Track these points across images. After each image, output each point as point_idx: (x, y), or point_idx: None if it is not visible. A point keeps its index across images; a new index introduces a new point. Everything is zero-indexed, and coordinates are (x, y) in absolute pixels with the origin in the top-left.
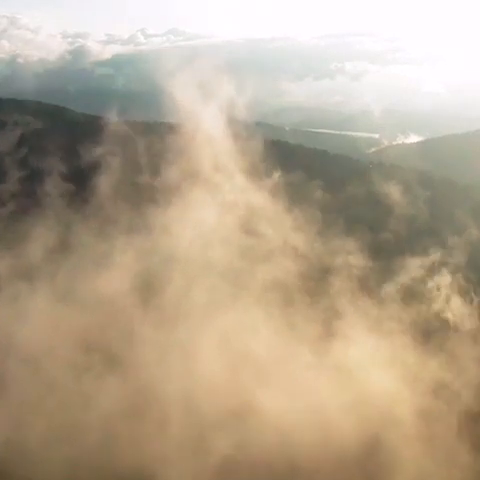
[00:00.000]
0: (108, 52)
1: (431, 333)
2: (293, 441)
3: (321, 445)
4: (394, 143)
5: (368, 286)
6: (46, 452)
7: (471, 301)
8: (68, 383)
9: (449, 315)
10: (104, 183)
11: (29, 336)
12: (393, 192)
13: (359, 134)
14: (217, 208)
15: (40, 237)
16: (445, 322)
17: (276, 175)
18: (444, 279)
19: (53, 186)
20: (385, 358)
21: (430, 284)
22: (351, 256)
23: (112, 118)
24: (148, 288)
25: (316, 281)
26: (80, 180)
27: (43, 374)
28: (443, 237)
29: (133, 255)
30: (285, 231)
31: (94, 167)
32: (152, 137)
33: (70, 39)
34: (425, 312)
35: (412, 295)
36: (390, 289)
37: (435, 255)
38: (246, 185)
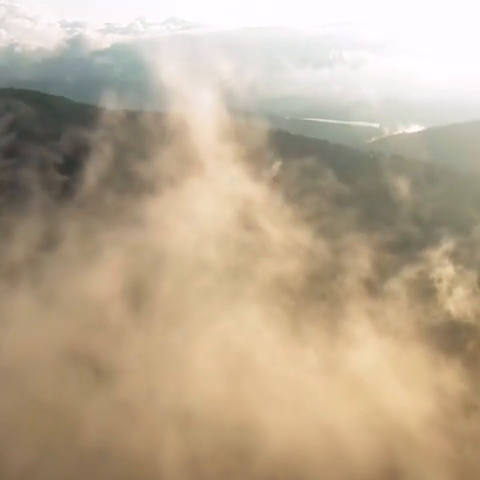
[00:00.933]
0: (107, 41)
1: (450, 335)
2: (300, 461)
3: (331, 467)
4: (395, 133)
5: (376, 283)
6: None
7: None
8: (51, 396)
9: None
10: (95, 173)
11: (9, 344)
12: (395, 183)
13: (359, 123)
14: (214, 200)
15: (23, 232)
16: (465, 325)
17: (276, 165)
18: (457, 276)
19: (40, 175)
20: (401, 365)
21: (444, 282)
22: (359, 251)
23: (109, 107)
24: (139, 289)
25: (321, 279)
26: (70, 170)
27: (25, 386)
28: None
29: (123, 252)
30: (286, 225)
31: (84, 156)
32: (148, 126)
33: (69, 28)
34: (440, 311)
35: (425, 293)
36: (401, 287)
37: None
38: (245, 176)
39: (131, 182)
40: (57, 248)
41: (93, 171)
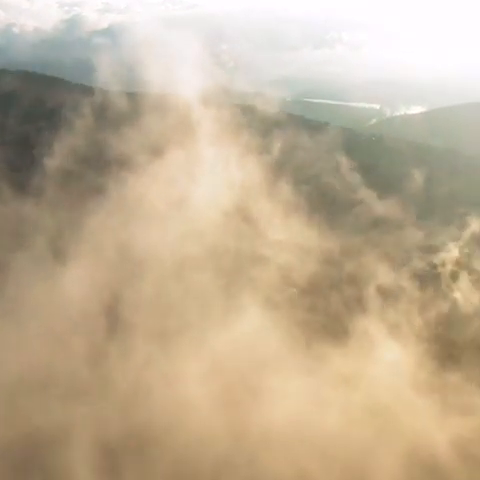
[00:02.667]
0: (105, 21)
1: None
2: None
3: None
4: (396, 114)
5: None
6: None
7: None
8: (24, 421)
9: None
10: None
11: None
12: (399, 166)
13: (360, 105)
14: (211, 187)
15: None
16: None
17: (276, 148)
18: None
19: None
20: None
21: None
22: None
23: (106, 88)
24: (116, 297)
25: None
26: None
27: None
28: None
29: (98, 251)
30: (286, 215)
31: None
32: (145, 108)
33: (66, 8)
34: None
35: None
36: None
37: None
38: (244, 160)
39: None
40: (23, 249)
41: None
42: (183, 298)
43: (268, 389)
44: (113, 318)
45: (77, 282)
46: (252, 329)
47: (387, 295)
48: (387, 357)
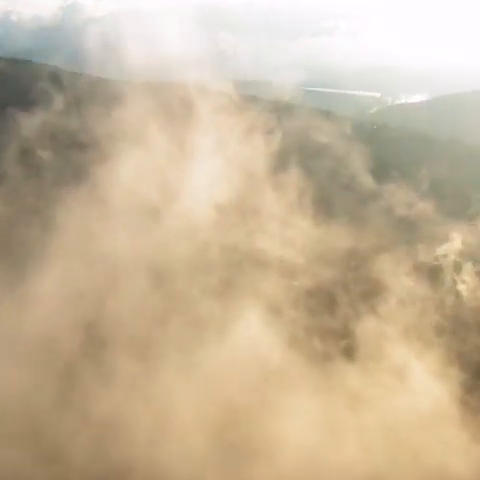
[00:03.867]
0: (102, 9)
1: None
2: None
3: None
4: (397, 102)
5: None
6: None
7: None
8: None
9: None
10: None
11: None
12: (402, 155)
13: (360, 93)
14: (206, 179)
15: None
16: None
17: (278, 137)
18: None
19: None
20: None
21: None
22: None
23: (102, 76)
24: (93, 309)
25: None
26: None
27: None
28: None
29: (71, 253)
30: (288, 211)
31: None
32: (138, 95)
33: None
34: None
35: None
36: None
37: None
38: (244, 150)
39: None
40: None
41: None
42: (171, 307)
43: (273, 416)
44: (89, 334)
45: (45, 292)
46: (251, 341)
47: (397, 295)
48: (404, 370)
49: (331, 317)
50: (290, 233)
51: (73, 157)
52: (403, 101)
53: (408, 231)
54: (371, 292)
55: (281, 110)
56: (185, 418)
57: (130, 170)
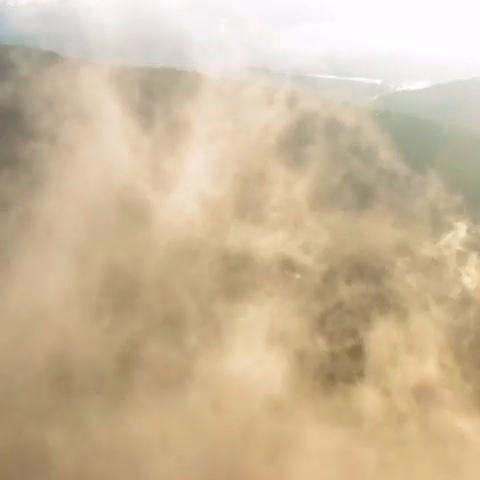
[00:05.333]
0: None
1: None
2: None
3: None
4: (398, 89)
5: None
6: None
7: None
8: None
9: None
10: None
11: None
12: (405, 143)
13: (361, 79)
14: (196, 172)
15: None
16: None
17: (278, 124)
18: None
19: None
20: None
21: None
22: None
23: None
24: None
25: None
26: None
27: None
28: None
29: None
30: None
31: None
32: (142, 82)
33: None
34: None
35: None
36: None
37: None
38: (241, 138)
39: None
40: None
41: None
42: (152, 330)
43: (283, 460)
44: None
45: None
46: (250, 366)
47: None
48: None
49: None
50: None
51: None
52: (405, 88)
53: (411, 220)
54: None
55: (281, 97)
56: (171, 461)
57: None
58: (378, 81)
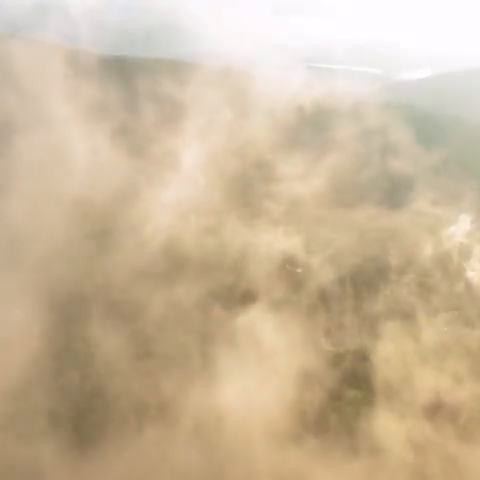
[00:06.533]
0: None
1: None
2: None
3: None
4: (399, 79)
5: None
6: None
7: None
8: None
9: None
10: None
11: None
12: (408, 134)
13: (361, 69)
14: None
15: None
16: None
17: (279, 116)
18: None
19: None
20: None
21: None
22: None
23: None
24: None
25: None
26: None
27: None
28: None
29: None
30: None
31: None
32: (141, 75)
33: None
34: None
35: None
36: None
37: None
38: (239, 128)
39: None
40: None
41: None
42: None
43: None
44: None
45: None
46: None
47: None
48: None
49: None
50: None
51: None
52: (405, 78)
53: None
54: None
55: (281, 87)
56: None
57: None
58: (378, 70)
